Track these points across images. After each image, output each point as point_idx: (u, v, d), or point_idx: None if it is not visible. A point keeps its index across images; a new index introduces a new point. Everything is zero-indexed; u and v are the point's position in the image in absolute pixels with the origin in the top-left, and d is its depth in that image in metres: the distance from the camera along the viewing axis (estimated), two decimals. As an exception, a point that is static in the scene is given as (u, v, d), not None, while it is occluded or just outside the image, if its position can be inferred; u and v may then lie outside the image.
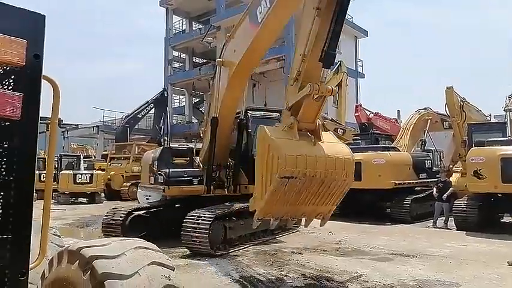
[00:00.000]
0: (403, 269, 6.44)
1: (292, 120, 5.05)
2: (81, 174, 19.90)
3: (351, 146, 14.03)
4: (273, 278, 5.91)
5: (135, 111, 28.06)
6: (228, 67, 7.75)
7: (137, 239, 2.46)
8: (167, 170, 7.91)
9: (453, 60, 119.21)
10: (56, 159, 23.18)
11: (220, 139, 8.36)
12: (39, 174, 22.14)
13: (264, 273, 6.19)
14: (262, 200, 5.03)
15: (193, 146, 9.40)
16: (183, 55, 32.78)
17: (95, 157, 29.74)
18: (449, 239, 9.10)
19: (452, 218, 10.68)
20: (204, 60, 32.97)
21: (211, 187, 8.37)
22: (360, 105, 19.54)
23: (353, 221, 12.04)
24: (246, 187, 8.81)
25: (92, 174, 20.09)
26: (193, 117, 32.44)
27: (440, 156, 17.87)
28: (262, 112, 9.99)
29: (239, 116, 8.80)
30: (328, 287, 5.46)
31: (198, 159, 8.80)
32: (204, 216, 7.14)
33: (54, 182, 21.08)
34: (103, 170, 22.25)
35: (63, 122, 37.53)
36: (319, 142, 5.03)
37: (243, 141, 8.77)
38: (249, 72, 8.09)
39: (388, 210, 12.93)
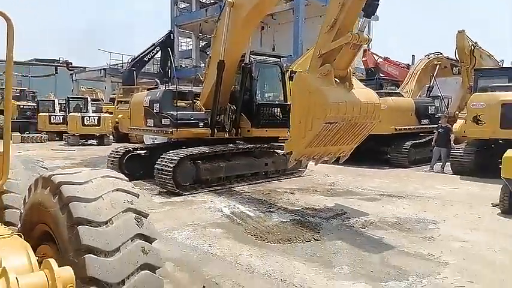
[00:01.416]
0: (388, 208, 6.71)
1: (329, 68, 5.26)
2: (89, 116, 20.26)
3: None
4: (262, 214, 6.25)
5: (141, 54, 27.81)
6: (239, 9, 7.59)
7: (109, 169, 2.65)
8: (174, 113, 8.04)
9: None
10: (64, 101, 23.63)
11: (224, 83, 8.42)
12: (49, 117, 22.78)
13: (254, 209, 6.52)
14: (301, 143, 5.46)
15: (192, 89, 9.44)
16: (189, -5, 31.64)
17: (103, 100, 30.04)
18: (441, 182, 9.32)
19: (449, 163, 10.85)
20: (212, 1, 31.77)
21: (215, 130, 8.57)
22: (368, 50, 18.98)
23: (352, 165, 12.23)
24: (249, 130, 9.02)
25: (99, 117, 20.45)
26: (200, 61, 31.99)
27: (447, 103, 17.66)
28: (265, 57, 9.93)
29: (243, 60, 8.78)
30: (311, 222, 5.76)
31: (198, 102, 8.89)
32: (171, 159, 7.43)
33: (61, 123, 21.68)
34: (111, 113, 22.59)
35: (72, 65, 37.72)
36: (353, 89, 5.37)
37: (245, 85, 8.82)
38: (263, 15, 7.95)
39: (389, 156, 13.09)
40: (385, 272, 4.00)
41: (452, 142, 10.97)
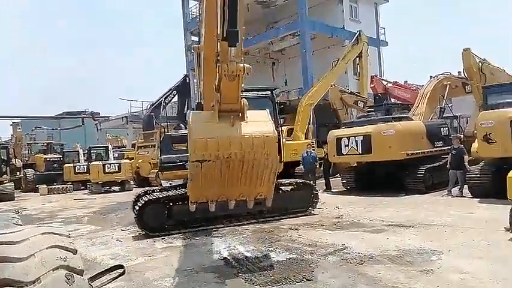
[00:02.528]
0: (392, 239, 6.42)
1: (214, 102, 4.97)
2: (110, 164, 20.87)
3: (363, 119, 13.87)
4: (260, 254, 6.10)
5: (159, 99, 28.75)
6: (202, 52, 7.80)
7: (55, 226, 2.69)
8: (162, 156, 8.25)
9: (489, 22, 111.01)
10: (86, 151, 24.52)
11: None
12: (74, 167, 23.60)
13: (253, 249, 6.39)
14: (189, 185, 5.06)
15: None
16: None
17: (126, 147, 31.00)
18: (457, 207, 8.88)
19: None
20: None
21: None
22: (375, 76, 18.95)
23: (366, 195, 11.96)
24: None
25: (120, 164, 21.03)
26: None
27: (466, 122, 17.15)
28: (252, 92, 10.00)
29: None
30: (307, 260, 5.57)
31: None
32: (139, 202, 7.68)
33: (86, 173, 22.36)
34: (131, 158, 23.21)
35: (97, 115, 39.48)
36: (242, 122, 4.81)
37: None
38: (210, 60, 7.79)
39: (404, 182, 12.68)
40: (372, 312, 3.77)
41: (466, 163, 10.52)
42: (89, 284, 5.05)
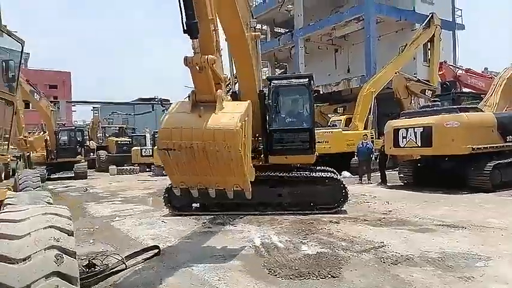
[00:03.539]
0: (438, 241, 5.92)
1: (190, 94, 5.08)
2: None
3: (426, 109, 12.88)
4: (292, 246, 5.99)
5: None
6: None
7: (61, 207, 2.83)
8: None
9: None
10: (151, 136, 25.91)
11: None
12: (140, 150, 25.09)
13: (286, 240, 6.29)
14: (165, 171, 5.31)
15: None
16: (264, 26, 32.84)
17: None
18: (524, 210, 7.96)
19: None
20: (287, 30, 32.57)
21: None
22: (445, 62, 17.45)
23: (423, 191, 11.20)
24: (266, 158, 8.92)
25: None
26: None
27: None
28: (286, 80, 9.74)
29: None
30: (338, 255, 5.34)
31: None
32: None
33: (151, 156, 23.64)
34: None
35: (166, 102, 41.51)
36: (213, 114, 4.76)
37: (262, 113, 8.74)
38: (242, 45, 7.58)
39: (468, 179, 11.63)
40: (391, 317, 3.51)
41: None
42: (123, 263, 5.35)
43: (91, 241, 6.88)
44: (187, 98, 5.57)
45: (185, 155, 4.75)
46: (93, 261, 5.09)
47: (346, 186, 8.57)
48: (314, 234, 6.60)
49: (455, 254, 5.20)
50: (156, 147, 22.27)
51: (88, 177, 21.17)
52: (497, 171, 10.82)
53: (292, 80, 9.77)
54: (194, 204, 8.85)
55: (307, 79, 9.15)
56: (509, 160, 10.95)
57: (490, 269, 4.58)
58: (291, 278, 4.61)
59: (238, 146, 4.59)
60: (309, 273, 4.70)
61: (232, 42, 7.32)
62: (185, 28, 4.45)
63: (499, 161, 10.84)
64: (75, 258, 2.45)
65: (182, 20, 4.42)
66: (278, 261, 5.26)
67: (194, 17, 4.40)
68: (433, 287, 4.17)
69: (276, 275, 4.74)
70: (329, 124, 21.07)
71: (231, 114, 4.79)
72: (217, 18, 5.32)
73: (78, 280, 2.39)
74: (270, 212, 8.38)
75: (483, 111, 12.12)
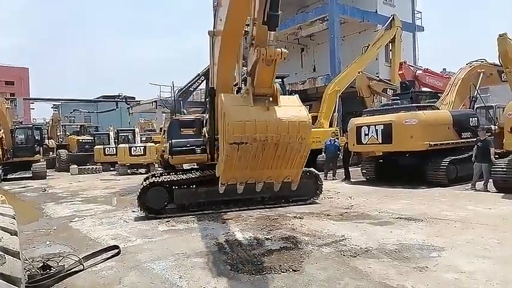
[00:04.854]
0: (396, 233, 6.12)
1: (248, 86, 4.99)
2: (136, 147, 21.37)
3: (386, 107, 13.31)
4: (255, 242, 6.00)
5: (187, 84, 28.99)
6: (218, 36, 7.63)
7: (4, 205, 2.70)
8: (172, 141, 8.27)
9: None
10: (115, 134, 25.23)
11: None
12: (104, 149, 24.35)
13: (250, 237, 6.30)
14: (221, 167, 5.11)
15: (201, 117, 9.61)
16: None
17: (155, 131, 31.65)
18: (477, 202, 8.37)
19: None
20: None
21: (216, 155, 8.53)
22: (405, 62, 18.06)
23: (385, 186, 11.55)
24: None
25: (145, 147, 21.48)
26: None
27: (499, 113, 16.08)
28: None
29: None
30: (300, 250, 5.42)
31: (204, 129, 8.98)
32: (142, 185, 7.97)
33: (114, 155, 23.00)
34: (158, 142, 23.66)
35: (130, 99, 40.56)
36: (276, 107, 4.86)
37: None
38: (238, 40, 7.72)
39: (426, 174, 12.10)
40: (348, 308, 3.59)
41: (492, 156, 9.86)
42: (80, 263, 5.16)
43: (47, 242, 6.61)
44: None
45: (255, 149, 4.72)
46: (48, 262, 4.89)
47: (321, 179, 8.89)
48: (278, 230, 6.65)
49: (411, 246, 5.40)
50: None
51: (47, 177, 20.33)
52: (453, 167, 11.33)
53: None
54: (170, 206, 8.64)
55: (280, 80, 9.29)
56: (464, 156, 11.47)
57: (444, 259, 4.78)
58: (252, 273, 4.61)
59: (310, 138, 4.79)
60: (270, 267, 4.73)
61: (230, 39, 7.32)
62: (266, 19, 4.31)
63: (455, 157, 11.35)
64: (19, 258, 2.33)
65: (265, 11, 4.28)
66: (241, 257, 5.25)
67: (278, 9, 4.28)
68: (390, 277, 4.30)
69: (238, 271, 4.73)
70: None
71: (297, 107, 4.94)
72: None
73: (23, 282, 2.28)
74: (253, 207, 8.42)
75: (440, 110, 12.63)
